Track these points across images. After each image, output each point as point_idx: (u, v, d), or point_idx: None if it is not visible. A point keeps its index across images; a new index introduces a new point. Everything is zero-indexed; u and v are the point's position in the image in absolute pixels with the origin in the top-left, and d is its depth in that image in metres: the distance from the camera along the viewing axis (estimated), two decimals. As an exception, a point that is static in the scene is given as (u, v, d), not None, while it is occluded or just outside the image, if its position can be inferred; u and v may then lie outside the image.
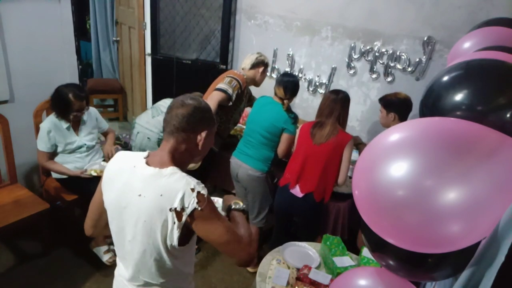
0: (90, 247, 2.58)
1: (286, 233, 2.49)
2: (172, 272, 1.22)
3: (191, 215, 1.08)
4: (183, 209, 1.07)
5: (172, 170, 1.13)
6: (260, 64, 2.59)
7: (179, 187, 1.08)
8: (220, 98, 2.35)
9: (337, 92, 2.22)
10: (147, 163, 1.16)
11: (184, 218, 1.08)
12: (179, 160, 1.18)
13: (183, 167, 1.18)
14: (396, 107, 2.33)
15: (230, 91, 2.39)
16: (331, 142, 2.13)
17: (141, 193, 1.11)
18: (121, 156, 1.23)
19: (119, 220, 1.19)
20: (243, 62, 2.65)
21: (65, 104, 2.39)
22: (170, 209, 1.07)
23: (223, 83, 2.42)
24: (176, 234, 1.10)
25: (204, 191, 1.10)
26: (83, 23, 5.46)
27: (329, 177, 2.19)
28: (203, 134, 1.18)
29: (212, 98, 2.33)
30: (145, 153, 1.21)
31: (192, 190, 1.08)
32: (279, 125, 2.31)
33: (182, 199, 1.07)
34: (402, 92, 2.42)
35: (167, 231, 1.10)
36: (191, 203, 1.07)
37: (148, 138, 2.58)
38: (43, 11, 2.74)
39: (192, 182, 1.10)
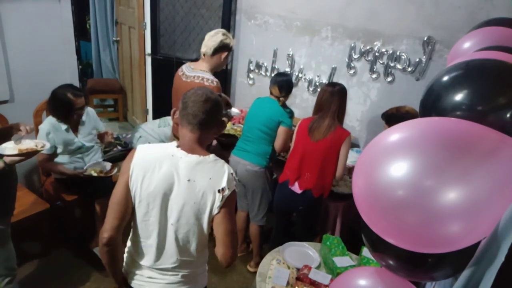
0: (90, 247, 2.58)
1: (285, 233, 2.49)
2: (205, 246, 1.39)
3: (231, 194, 1.28)
4: (227, 189, 1.26)
5: (214, 157, 1.32)
6: (224, 48, 2.26)
7: (224, 171, 1.29)
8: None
9: (333, 84, 2.23)
10: (185, 151, 1.29)
11: (226, 195, 1.26)
12: (205, 145, 1.35)
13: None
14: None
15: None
16: (329, 138, 2.15)
17: (190, 178, 1.25)
18: (146, 150, 1.31)
19: (160, 207, 1.27)
20: (204, 43, 2.28)
21: (66, 105, 2.36)
22: (218, 190, 1.25)
23: None
24: (215, 210, 1.26)
25: (235, 177, 1.33)
26: (83, 23, 5.46)
27: (327, 173, 2.21)
28: (224, 120, 1.40)
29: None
30: (174, 143, 1.32)
31: (232, 174, 1.30)
32: (275, 119, 2.33)
33: (228, 181, 1.27)
34: (406, 106, 2.31)
35: (212, 209, 1.26)
36: (232, 185, 1.28)
37: (149, 143, 2.60)
38: (43, 11, 2.74)
39: (231, 168, 1.32)
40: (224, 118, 1.40)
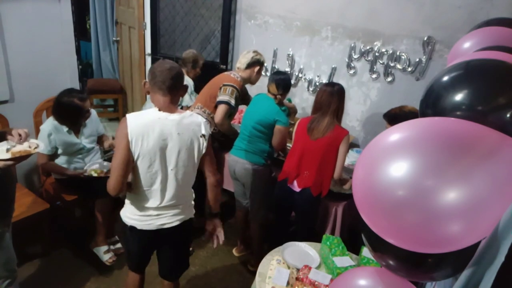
0: (90, 247, 2.58)
1: (285, 232, 2.49)
2: (194, 182, 1.78)
3: (208, 138, 1.69)
4: (206, 134, 1.67)
5: (189, 112, 1.68)
6: (256, 63, 2.59)
7: (200, 121, 1.68)
8: (226, 111, 2.47)
9: (332, 84, 2.24)
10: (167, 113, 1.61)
11: (207, 138, 1.68)
12: (176, 105, 1.67)
13: None
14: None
15: (232, 102, 2.48)
16: (327, 137, 2.15)
17: (179, 132, 1.60)
18: (136, 117, 1.57)
19: (160, 158, 1.60)
20: (238, 60, 2.64)
21: (75, 111, 2.36)
22: (201, 136, 1.66)
23: (226, 94, 2.47)
24: (203, 150, 1.69)
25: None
26: (83, 23, 5.46)
27: (326, 172, 2.21)
28: (186, 84, 1.68)
29: (220, 112, 2.47)
30: (155, 108, 1.61)
31: (204, 123, 1.68)
32: (271, 117, 2.33)
33: (205, 128, 1.67)
34: (408, 105, 2.31)
35: (200, 150, 1.68)
36: (208, 130, 1.71)
37: None
38: (43, 11, 2.74)
39: (203, 118, 1.72)
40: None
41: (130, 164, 1.58)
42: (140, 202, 1.69)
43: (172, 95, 1.59)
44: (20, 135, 1.68)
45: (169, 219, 1.73)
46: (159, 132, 1.56)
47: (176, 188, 1.68)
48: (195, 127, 1.64)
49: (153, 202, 1.68)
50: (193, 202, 1.88)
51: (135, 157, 1.57)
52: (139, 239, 1.77)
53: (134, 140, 1.54)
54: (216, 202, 1.87)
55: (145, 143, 1.55)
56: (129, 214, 1.73)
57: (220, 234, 1.90)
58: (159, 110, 1.60)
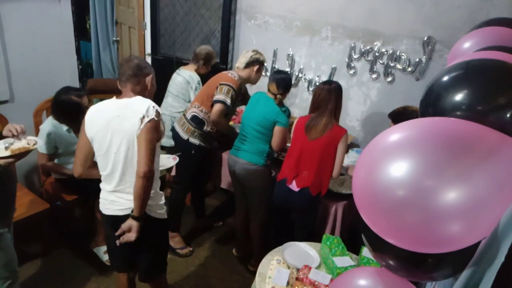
0: (90, 247, 2.59)
1: (284, 232, 2.49)
2: None
3: (149, 121, 1.59)
4: (146, 116, 1.59)
5: (139, 98, 1.68)
6: (255, 62, 2.56)
7: (145, 104, 1.62)
8: (221, 110, 2.45)
9: (329, 82, 2.24)
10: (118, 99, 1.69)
11: (145, 122, 1.59)
12: (142, 93, 1.71)
13: None
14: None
15: (228, 101, 2.46)
16: (326, 136, 2.15)
17: (118, 114, 1.63)
18: (94, 107, 1.72)
19: (105, 142, 1.65)
20: (238, 60, 2.63)
21: (74, 107, 2.36)
22: (140, 118, 1.58)
23: (222, 93, 2.46)
24: (138, 132, 1.59)
25: (158, 111, 1.65)
26: (83, 23, 5.45)
27: (325, 171, 2.21)
28: (149, 77, 1.75)
29: (215, 111, 2.46)
30: (113, 98, 1.71)
31: (153, 107, 1.63)
32: (270, 118, 2.32)
33: (147, 110, 1.60)
34: (413, 106, 2.30)
35: (136, 133, 1.59)
36: (151, 114, 1.61)
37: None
38: (43, 11, 2.74)
39: (152, 102, 1.66)
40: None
41: (88, 149, 1.71)
42: (102, 185, 1.78)
43: (132, 84, 1.69)
44: (16, 131, 1.70)
45: (122, 206, 1.71)
46: (104, 116, 1.65)
47: (124, 173, 1.67)
48: (136, 109, 1.60)
49: (107, 186, 1.74)
50: (161, 202, 1.80)
51: (91, 141, 1.69)
52: (107, 225, 1.81)
53: (87, 126, 1.68)
54: (140, 202, 1.61)
55: (94, 127, 1.66)
56: (100, 198, 1.81)
57: (127, 237, 1.66)
58: (116, 98, 1.71)
